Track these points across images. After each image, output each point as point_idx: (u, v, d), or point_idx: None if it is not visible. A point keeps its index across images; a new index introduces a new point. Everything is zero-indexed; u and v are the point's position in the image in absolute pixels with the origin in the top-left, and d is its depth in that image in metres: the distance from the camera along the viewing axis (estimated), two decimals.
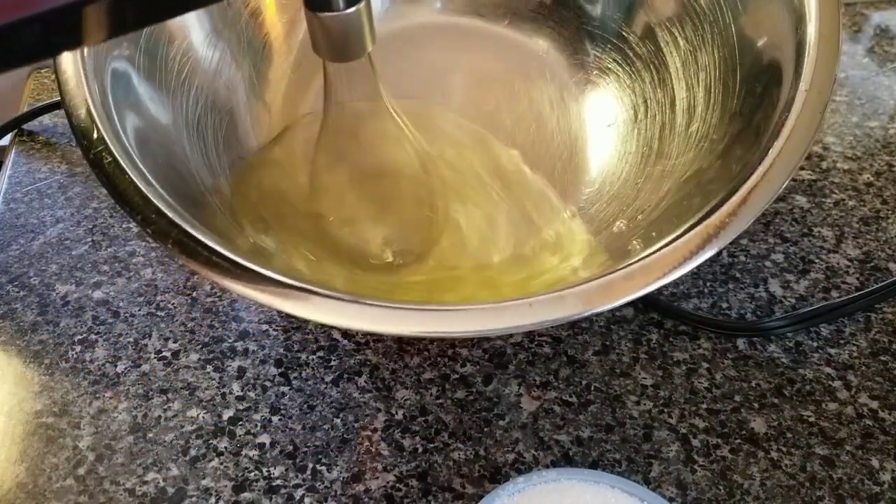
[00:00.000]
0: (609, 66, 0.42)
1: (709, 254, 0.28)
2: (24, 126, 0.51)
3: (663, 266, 0.28)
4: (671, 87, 0.39)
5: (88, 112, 0.30)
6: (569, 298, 0.27)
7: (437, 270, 0.38)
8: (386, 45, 0.45)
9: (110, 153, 0.29)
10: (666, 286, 0.40)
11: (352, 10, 0.28)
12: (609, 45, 0.43)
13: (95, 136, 0.30)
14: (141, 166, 0.30)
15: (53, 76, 0.32)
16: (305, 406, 0.36)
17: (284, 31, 0.44)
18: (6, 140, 0.52)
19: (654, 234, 0.32)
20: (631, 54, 0.41)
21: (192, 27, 0.39)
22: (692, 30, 0.38)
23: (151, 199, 0.28)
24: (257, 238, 0.37)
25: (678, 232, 0.28)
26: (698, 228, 0.28)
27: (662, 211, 0.35)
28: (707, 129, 0.36)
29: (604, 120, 0.42)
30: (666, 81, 0.40)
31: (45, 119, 0.52)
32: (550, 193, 0.41)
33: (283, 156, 0.41)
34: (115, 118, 0.31)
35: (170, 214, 0.28)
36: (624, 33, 0.42)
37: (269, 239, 0.37)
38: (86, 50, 0.32)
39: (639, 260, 0.28)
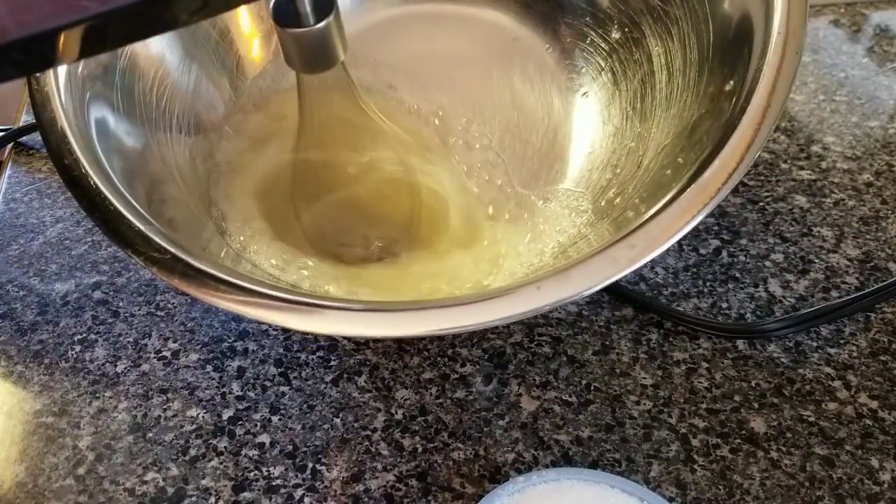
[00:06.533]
0: (582, 30, 0.42)
1: (715, 203, 0.27)
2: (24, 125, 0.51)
3: (668, 226, 0.27)
4: (646, 45, 0.39)
5: (76, 160, 0.30)
6: (574, 275, 0.27)
7: (425, 258, 0.38)
8: (359, 41, 0.45)
9: (104, 197, 0.29)
10: (665, 285, 0.40)
11: (321, 24, 0.28)
12: (579, 11, 0.43)
13: (88, 182, 0.30)
14: (135, 205, 0.30)
15: None
16: (305, 406, 0.36)
17: (258, 47, 0.44)
18: None
19: (646, 194, 0.31)
20: (601, 16, 0.41)
21: (165, 53, 0.39)
22: None
23: (153, 237, 0.28)
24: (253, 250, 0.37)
25: (678, 188, 0.28)
26: (696, 183, 0.28)
27: (655, 171, 0.35)
28: (687, 83, 0.36)
29: (583, 87, 0.42)
30: (639, 40, 0.40)
31: None
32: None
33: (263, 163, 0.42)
34: (102, 158, 0.31)
35: (173, 250, 0.28)
36: None
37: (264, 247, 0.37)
38: (64, 96, 0.32)
39: (642, 224, 0.27)
